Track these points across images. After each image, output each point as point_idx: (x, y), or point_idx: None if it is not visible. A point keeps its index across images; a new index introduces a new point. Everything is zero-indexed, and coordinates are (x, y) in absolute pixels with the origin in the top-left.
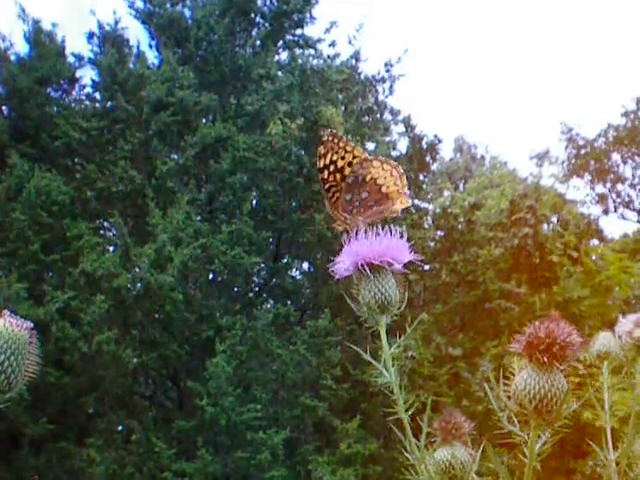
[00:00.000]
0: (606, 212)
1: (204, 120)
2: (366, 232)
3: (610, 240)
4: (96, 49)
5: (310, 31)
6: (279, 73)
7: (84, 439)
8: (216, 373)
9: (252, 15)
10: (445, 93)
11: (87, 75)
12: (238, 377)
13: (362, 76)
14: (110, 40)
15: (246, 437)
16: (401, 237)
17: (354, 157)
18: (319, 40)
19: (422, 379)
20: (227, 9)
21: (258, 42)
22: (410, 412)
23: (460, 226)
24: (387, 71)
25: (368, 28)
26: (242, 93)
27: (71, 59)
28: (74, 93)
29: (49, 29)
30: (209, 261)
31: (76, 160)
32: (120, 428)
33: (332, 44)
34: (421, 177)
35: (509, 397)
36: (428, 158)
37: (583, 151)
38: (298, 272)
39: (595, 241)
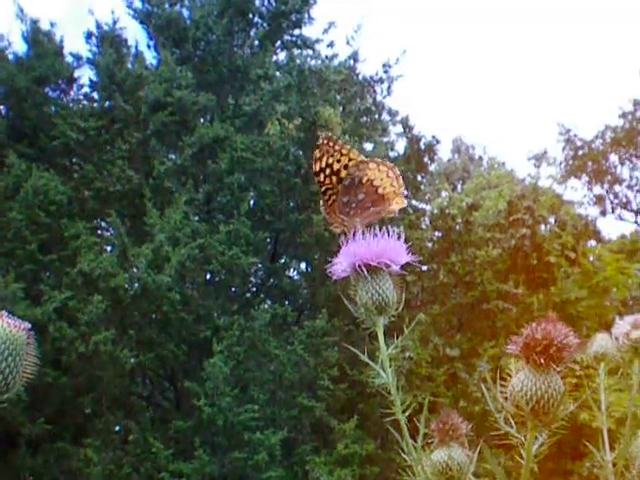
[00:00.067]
0: (603, 213)
1: (202, 120)
2: (363, 233)
3: (607, 241)
4: (94, 49)
5: (308, 31)
6: (277, 73)
7: (81, 439)
8: (213, 373)
9: (250, 15)
10: (443, 94)
11: (85, 75)
12: (235, 377)
13: (360, 77)
14: (108, 40)
15: (243, 437)
16: (398, 238)
17: (350, 160)
18: (317, 40)
19: (419, 380)
20: (225, 9)
21: (256, 42)
22: (407, 413)
23: (458, 227)
24: (385, 72)
25: (366, 29)
26: (240, 93)
27: (69, 59)
28: (72, 93)
29: (47, 29)
30: (206, 261)
31: (74, 160)
32: (117, 428)
33: (330, 45)
34: (419, 178)
35: (506, 398)
36: (426, 159)
37: (581, 152)
38: (296, 272)
39: (592, 242)
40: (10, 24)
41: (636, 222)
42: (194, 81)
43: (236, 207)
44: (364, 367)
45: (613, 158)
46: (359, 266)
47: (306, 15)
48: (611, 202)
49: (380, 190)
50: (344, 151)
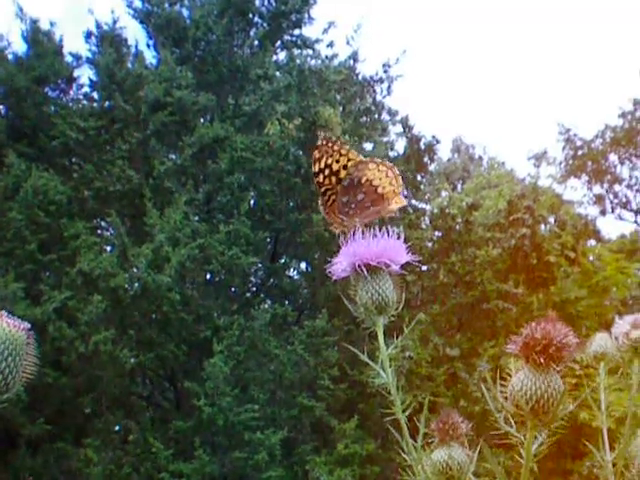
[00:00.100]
0: (603, 213)
1: (202, 120)
2: (363, 233)
3: (607, 241)
4: (94, 48)
5: (308, 31)
6: (277, 73)
7: (81, 439)
8: (213, 373)
9: (250, 15)
10: (443, 94)
11: (85, 74)
12: (235, 377)
13: (360, 76)
14: (108, 39)
15: (243, 437)
16: (398, 238)
17: (349, 160)
18: (317, 40)
19: (419, 379)
20: (225, 9)
21: (256, 42)
22: (407, 413)
23: (458, 226)
24: (385, 72)
25: (366, 29)
26: (240, 93)
27: (69, 58)
28: (72, 92)
29: (47, 28)
30: (206, 261)
31: (73, 160)
32: (117, 428)
33: (330, 44)
34: (419, 177)
35: (506, 398)
36: (426, 159)
37: (580, 152)
38: (296, 272)
39: (592, 242)
40: (10, 24)
41: (636, 222)
42: (194, 81)
43: (236, 207)
44: (364, 367)
45: (613, 158)
46: (359, 266)
47: (306, 15)
48: (611, 202)
49: (379, 190)
50: (343, 151)
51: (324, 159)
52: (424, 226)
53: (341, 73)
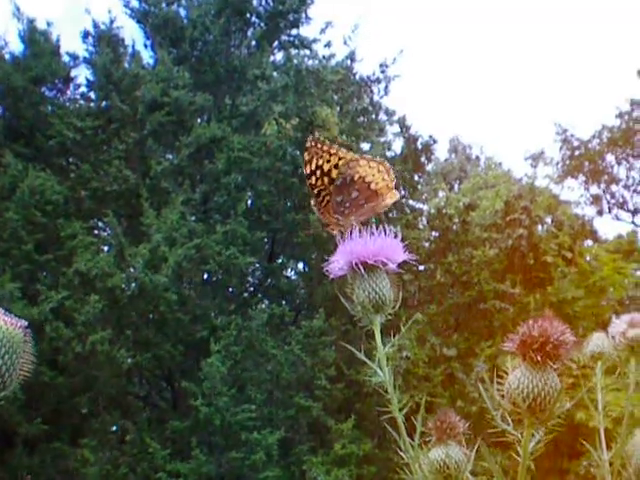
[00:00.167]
0: (600, 213)
1: (199, 120)
2: (360, 232)
3: (604, 241)
4: (91, 48)
5: (305, 31)
6: (274, 73)
7: (78, 439)
8: (210, 373)
9: (247, 15)
10: (440, 94)
11: (82, 74)
12: (233, 377)
13: (357, 77)
14: (105, 39)
15: (240, 437)
16: (395, 237)
17: (339, 159)
18: (314, 40)
19: (416, 380)
20: (222, 9)
21: (253, 42)
22: (404, 412)
23: (455, 227)
24: (382, 72)
25: (363, 28)
26: (237, 93)
27: (66, 58)
28: (69, 92)
29: (44, 28)
30: (203, 261)
31: (70, 160)
32: (114, 428)
33: (327, 45)
34: (416, 178)
35: (503, 396)
36: (423, 159)
37: (577, 152)
38: (293, 272)
39: (589, 242)
40: (7, 23)
41: (633, 222)
42: (191, 81)
43: (233, 207)
44: (361, 367)
45: (610, 158)
46: (356, 264)
47: (303, 15)
48: (608, 202)
49: (373, 186)
50: (332, 151)
51: (314, 160)
52: (421, 226)
53: (338, 73)
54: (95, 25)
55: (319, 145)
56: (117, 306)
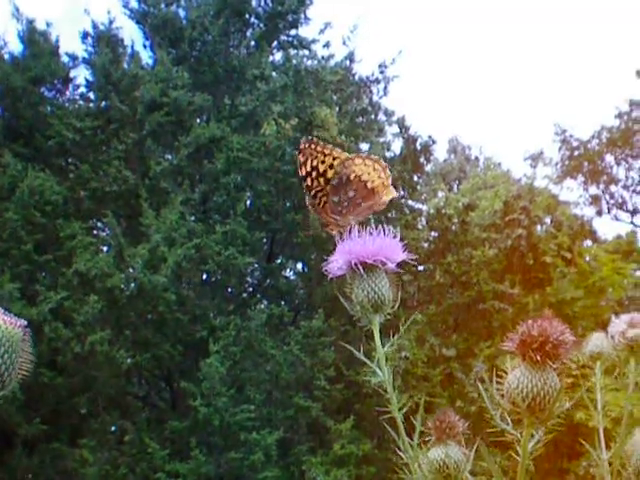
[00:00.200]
0: (599, 213)
1: (198, 120)
2: (359, 231)
3: (603, 241)
4: (90, 49)
5: (304, 32)
6: (273, 74)
7: (77, 440)
8: (209, 373)
9: (246, 16)
10: (439, 94)
11: (81, 75)
12: (232, 377)
13: (356, 77)
14: (104, 40)
15: (239, 437)
16: (394, 237)
17: (334, 158)
18: (313, 41)
19: (416, 380)
20: (221, 9)
21: (252, 42)
22: (403, 412)
23: (454, 227)
24: (381, 72)
25: (362, 29)
26: (236, 93)
27: (65, 59)
28: (68, 93)
29: (43, 28)
30: (203, 261)
31: (70, 160)
32: (113, 429)
33: (326, 45)
34: (415, 178)
35: (502, 396)
36: (422, 159)
37: (577, 152)
38: (292, 272)
39: (588, 242)
40: (6, 24)
41: (632, 222)
42: (190, 81)
43: (232, 207)
44: (360, 367)
45: (609, 158)
46: (355, 264)
47: (302, 15)
48: (607, 202)
49: (369, 184)
50: (327, 151)
51: (309, 162)
52: (420, 226)
53: (337, 73)
54: (94, 25)
55: (313, 146)
56: (116, 306)
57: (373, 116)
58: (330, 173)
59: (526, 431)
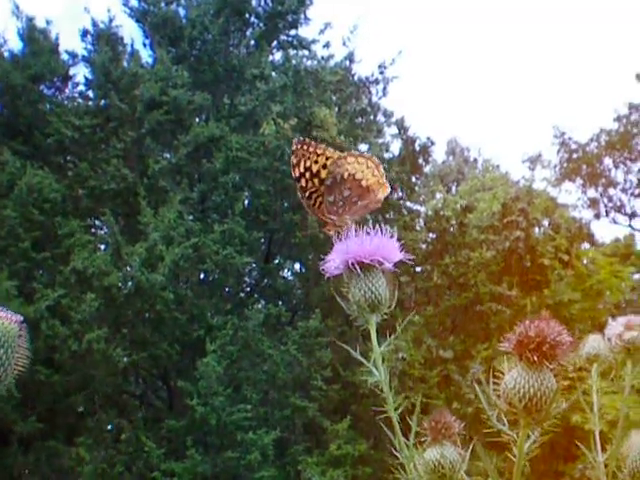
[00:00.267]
0: (597, 216)
1: (197, 119)
2: (356, 231)
3: (601, 244)
4: (90, 47)
5: (304, 32)
6: (273, 73)
7: (73, 438)
8: (206, 373)
9: (246, 15)
10: (438, 95)
11: (80, 73)
12: (228, 377)
13: (356, 77)
14: (104, 38)
15: (236, 437)
16: (392, 237)
17: (327, 158)
18: (313, 41)
19: (412, 381)
20: (221, 9)
21: (252, 42)
22: (399, 413)
23: (452, 228)
24: (381, 73)
25: (362, 29)
26: (236, 93)
27: (65, 57)
28: (67, 91)
29: (43, 26)
30: (200, 260)
31: (68, 158)
32: (110, 427)
33: (326, 45)
34: (413, 179)
35: (499, 396)
36: (421, 160)
37: (575, 155)
38: (289, 273)
39: (586, 245)
40: (6, 21)
41: (630, 225)
42: (190, 80)
43: (230, 207)
44: (357, 368)
45: (607, 161)
46: (352, 263)
47: (302, 15)
48: (605, 205)
49: (363, 182)
50: (319, 151)
51: (302, 163)
52: (418, 228)
53: (337, 74)
54: (94, 24)
55: (305, 146)
56: (113, 305)
57: (372, 117)
58: (324, 173)
59: (522, 432)
